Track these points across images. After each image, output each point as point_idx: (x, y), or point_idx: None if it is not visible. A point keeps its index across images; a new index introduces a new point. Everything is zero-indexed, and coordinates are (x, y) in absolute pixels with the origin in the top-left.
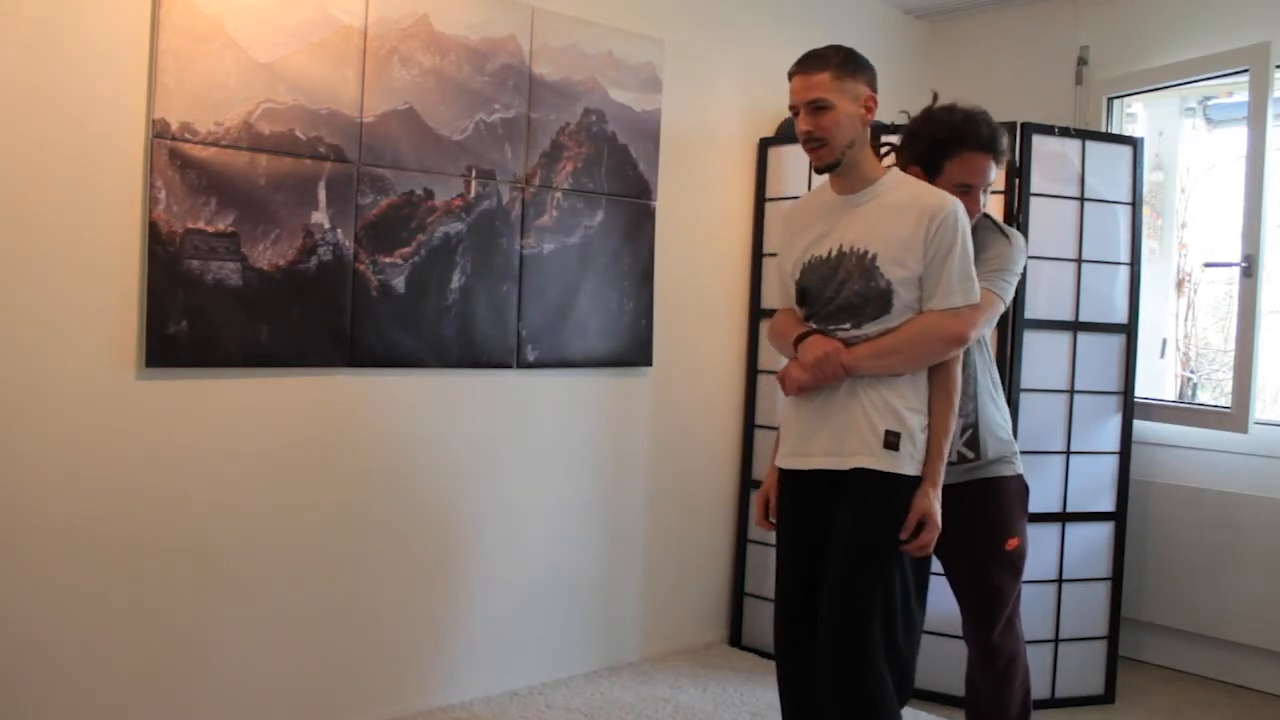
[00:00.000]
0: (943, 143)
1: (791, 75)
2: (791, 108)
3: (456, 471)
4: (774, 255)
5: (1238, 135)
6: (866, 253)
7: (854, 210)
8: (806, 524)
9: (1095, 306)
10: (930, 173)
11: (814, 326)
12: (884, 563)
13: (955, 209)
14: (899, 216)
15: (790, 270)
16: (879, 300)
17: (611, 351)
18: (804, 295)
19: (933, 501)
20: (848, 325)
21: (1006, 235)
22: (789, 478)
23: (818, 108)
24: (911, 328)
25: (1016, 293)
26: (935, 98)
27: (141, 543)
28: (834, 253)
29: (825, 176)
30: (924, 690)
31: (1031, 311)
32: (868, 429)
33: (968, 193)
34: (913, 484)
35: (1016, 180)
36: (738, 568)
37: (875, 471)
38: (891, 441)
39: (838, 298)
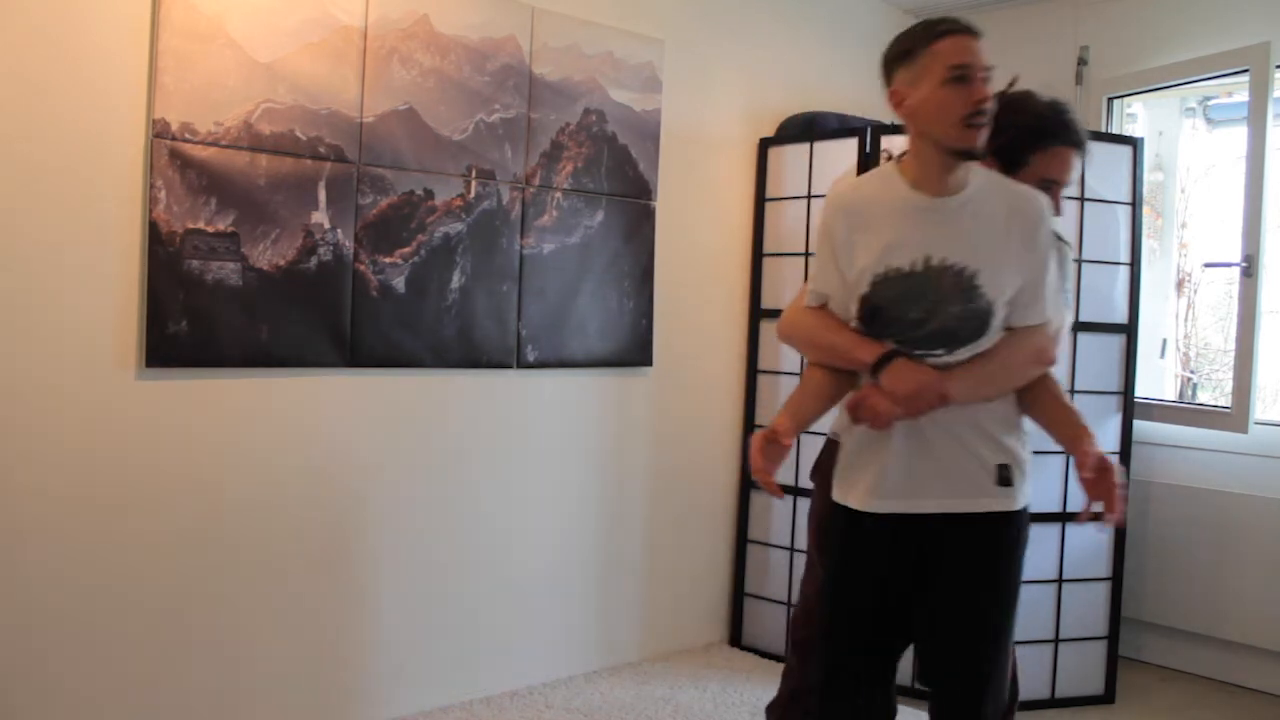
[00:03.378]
0: (1033, 133)
1: (948, 32)
2: (956, 67)
3: (455, 472)
4: (775, 254)
5: (1238, 135)
6: (965, 270)
7: (946, 216)
8: (895, 569)
9: (1095, 306)
10: (1010, 166)
11: (896, 348)
12: (1013, 610)
13: (1050, 213)
14: (998, 225)
15: (854, 280)
16: (978, 323)
17: (611, 351)
18: (875, 314)
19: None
20: (940, 351)
21: (1067, 244)
22: (870, 518)
23: (988, 79)
24: (1007, 351)
25: None
26: (1013, 82)
27: (141, 542)
28: (920, 266)
29: (886, 166)
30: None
31: None
32: (977, 465)
33: (1050, 189)
34: (1026, 518)
35: None
36: (738, 568)
37: (996, 513)
38: (1005, 477)
39: (930, 322)
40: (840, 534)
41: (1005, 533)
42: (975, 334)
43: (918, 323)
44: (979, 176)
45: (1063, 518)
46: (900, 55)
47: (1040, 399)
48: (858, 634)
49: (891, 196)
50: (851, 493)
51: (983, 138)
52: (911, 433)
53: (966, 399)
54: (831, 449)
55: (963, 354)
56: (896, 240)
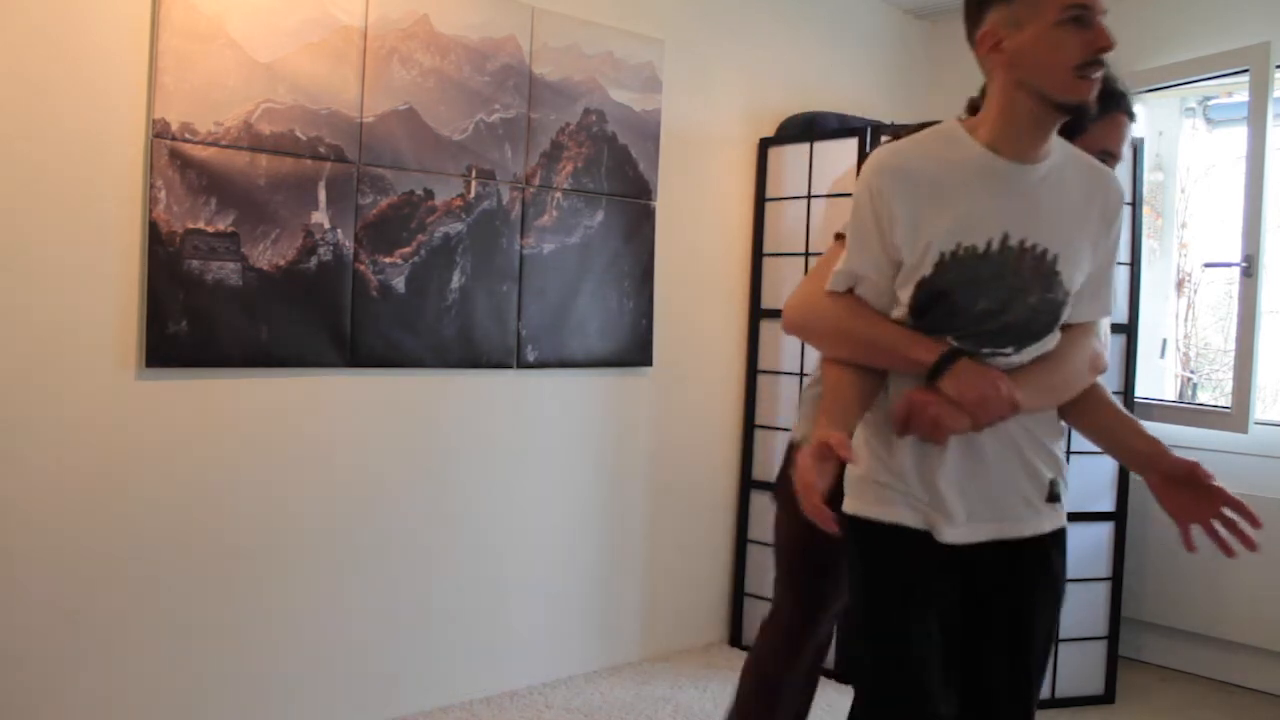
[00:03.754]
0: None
1: None
2: (1075, 6)
3: (456, 471)
4: (775, 254)
5: (1238, 135)
6: (1046, 252)
7: (1028, 186)
8: (947, 595)
9: None
10: (1068, 132)
11: (958, 345)
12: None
13: None
14: (1078, 203)
15: (912, 260)
16: (1051, 317)
17: (611, 351)
18: (937, 302)
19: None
20: (1010, 350)
21: None
22: (926, 541)
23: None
24: (1070, 354)
25: None
26: None
27: (141, 543)
28: (997, 246)
29: (944, 125)
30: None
31: None
32: (1033, 482)
33: (1106, 163)
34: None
35: None
36: (738, 568)
37: (1047, 534)
38: (1055, 492)
39: (1005, 313)
40: (877, 552)
41: (1057, 554)
42: (1047, 329)
43: (989, 314)
44: (1057, 144)
45: None
46: None
47: (1094, 409)
48: (921, 650)
49: (962, 159)
50: (890, 508)
51: (1095, 91)
52: (966, 444)
53: (1031, 409)
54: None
55: (1029, 353)
56: (971, 212)
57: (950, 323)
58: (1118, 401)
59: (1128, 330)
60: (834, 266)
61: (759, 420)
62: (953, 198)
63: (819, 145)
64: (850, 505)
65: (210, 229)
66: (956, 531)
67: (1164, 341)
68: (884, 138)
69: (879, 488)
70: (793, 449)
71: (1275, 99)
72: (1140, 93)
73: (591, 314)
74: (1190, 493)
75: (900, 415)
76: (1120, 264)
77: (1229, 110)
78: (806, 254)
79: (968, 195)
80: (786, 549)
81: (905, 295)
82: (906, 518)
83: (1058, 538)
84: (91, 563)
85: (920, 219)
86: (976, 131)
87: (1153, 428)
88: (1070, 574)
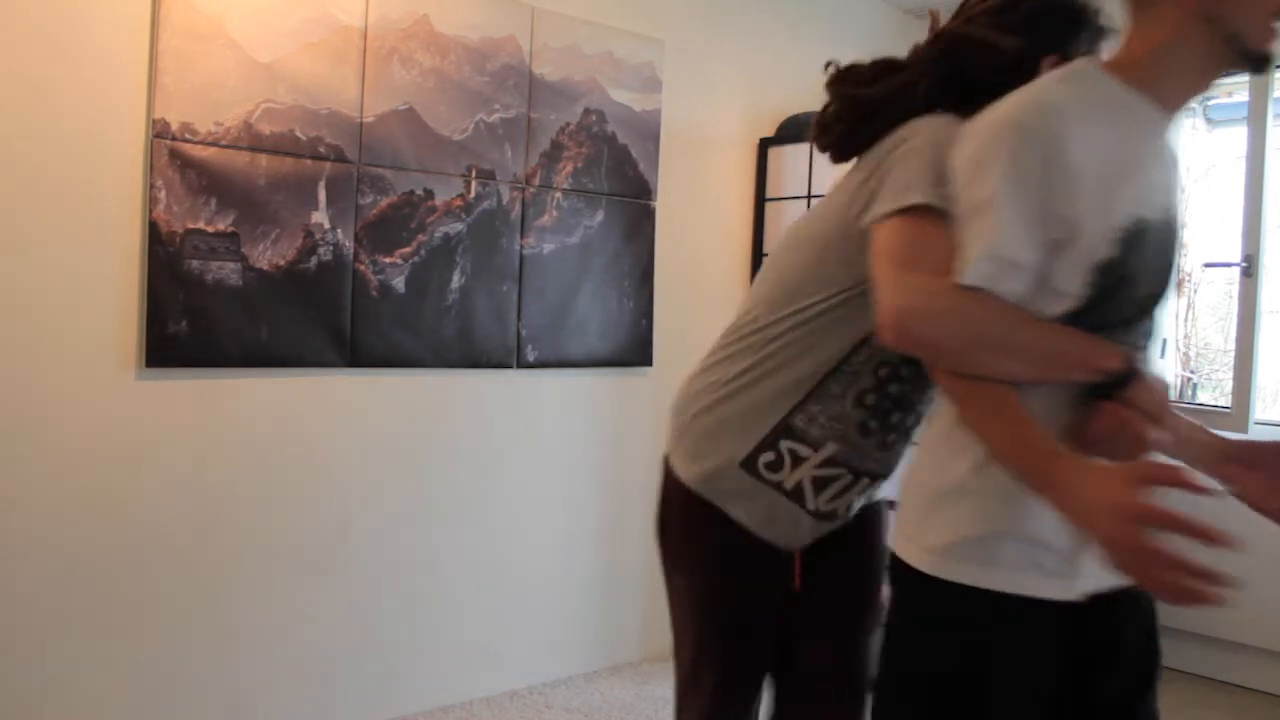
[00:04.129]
0: (1075, 27)
1: None
2: None
3: (456, 472)
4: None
5: (1238, 135)
6: (1180, 225)
7: (1168, 144)
8: (1057, 682)
9: None
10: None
11: (1126, 345)
12: None
13: None
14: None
15: (1098, 236)
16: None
17: (611, 351)
18: (1112, 290)
19: None
20: (1152, 343)
21: None
22: (1041, 609)
23: None
24: None
25: None
26: None
27: (141, 542)
28: (1160, 216)
29: (1076, 64)
30: None
31: None
32: None
33: None
34: None
35: None
36: None
37: None
38: None
39: (1163, 299)
40: (992, 645)
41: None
42: None
43: (1152, 300)
44: None
45: None
46: None
47: None
48: None
49: (1125, 109)
50: (1024, 575)
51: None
52: None
53: None
54: (703, 509)
55: None
56: (1145, 175)
57: (1118, 314)
58: None
59: None
60: (942, 250)
61: None
62: (1126, 156)
63: None
64: (954, 570)
65: (210, 229)
66: (1090, 581)
67: (1164, 341)
68: None
69: (1012, 545)
70: (671, 483)
71: (1275, 99)
72: None
73: (591, 314)
74: (1270, 477)
75: (1098, 439)
76: None
77: (1229, 110)
78: None
79: (1134, 153)
80: (693, 628)
81: (1073, 283)
82: (1044, 587)
83: None
84: (91, 562)
85: (1107, 181)
86: (1123, 73)
87: None
88: None
